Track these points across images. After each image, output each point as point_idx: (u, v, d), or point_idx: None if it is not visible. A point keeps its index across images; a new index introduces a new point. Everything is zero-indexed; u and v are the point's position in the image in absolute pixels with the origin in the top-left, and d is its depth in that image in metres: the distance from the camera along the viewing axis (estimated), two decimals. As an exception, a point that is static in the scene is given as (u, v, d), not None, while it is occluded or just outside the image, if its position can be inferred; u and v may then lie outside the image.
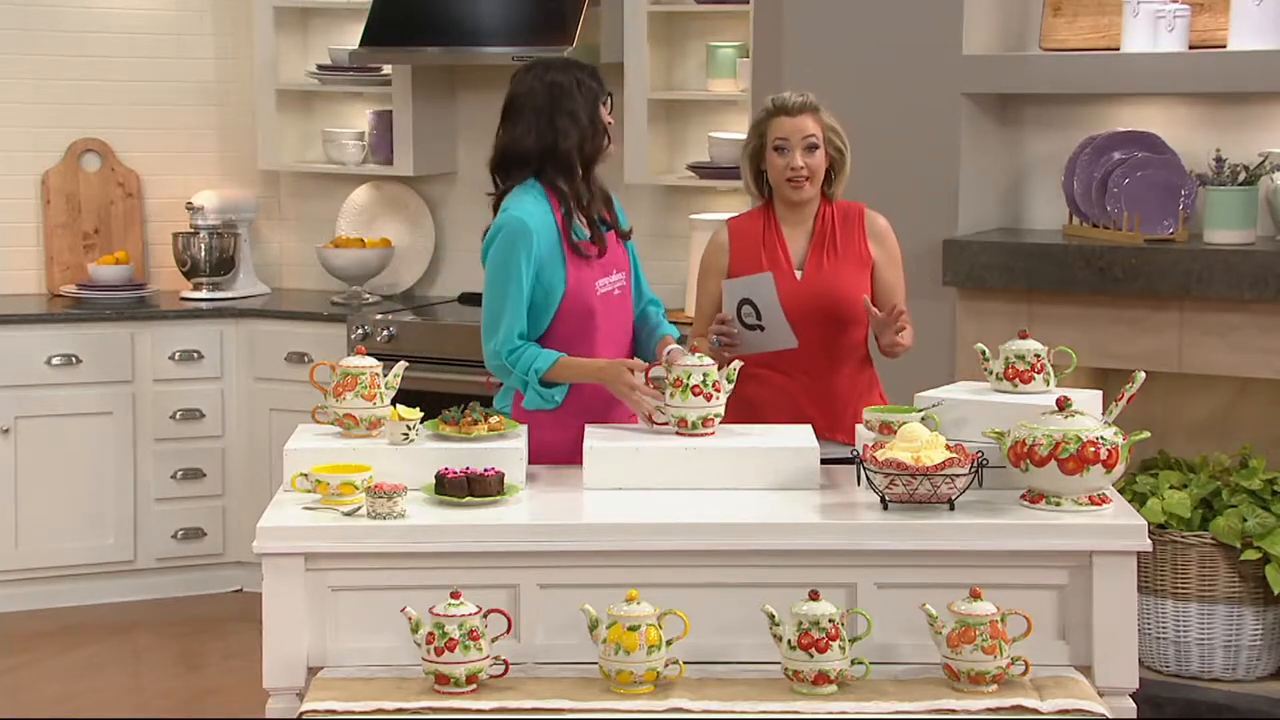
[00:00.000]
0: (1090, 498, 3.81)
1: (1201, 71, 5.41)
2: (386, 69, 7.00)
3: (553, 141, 4.40)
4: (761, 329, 4.54)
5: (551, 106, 4.40)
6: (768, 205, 4.70)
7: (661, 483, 4.02)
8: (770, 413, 4.50)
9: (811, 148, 4.58)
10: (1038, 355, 4.12)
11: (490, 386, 4.57)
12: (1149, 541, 3.76)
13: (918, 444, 3.81)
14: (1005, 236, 5.68)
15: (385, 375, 4.18)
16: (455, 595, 3.61)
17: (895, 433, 3.94)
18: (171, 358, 6.75)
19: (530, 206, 4.41)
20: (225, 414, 6.82)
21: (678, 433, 4.13)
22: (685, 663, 3.63)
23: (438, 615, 3.58)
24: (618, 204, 4.63)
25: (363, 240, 7.09)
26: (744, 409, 4.45)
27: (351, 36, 6.93)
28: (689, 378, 4.11)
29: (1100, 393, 4.14)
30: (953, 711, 3.54)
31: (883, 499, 3.83)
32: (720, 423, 4.17)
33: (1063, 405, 3.83)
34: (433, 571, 3.73)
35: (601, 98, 4.45)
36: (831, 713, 3.53)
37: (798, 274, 4.61)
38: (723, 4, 6.44)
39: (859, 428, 4.15)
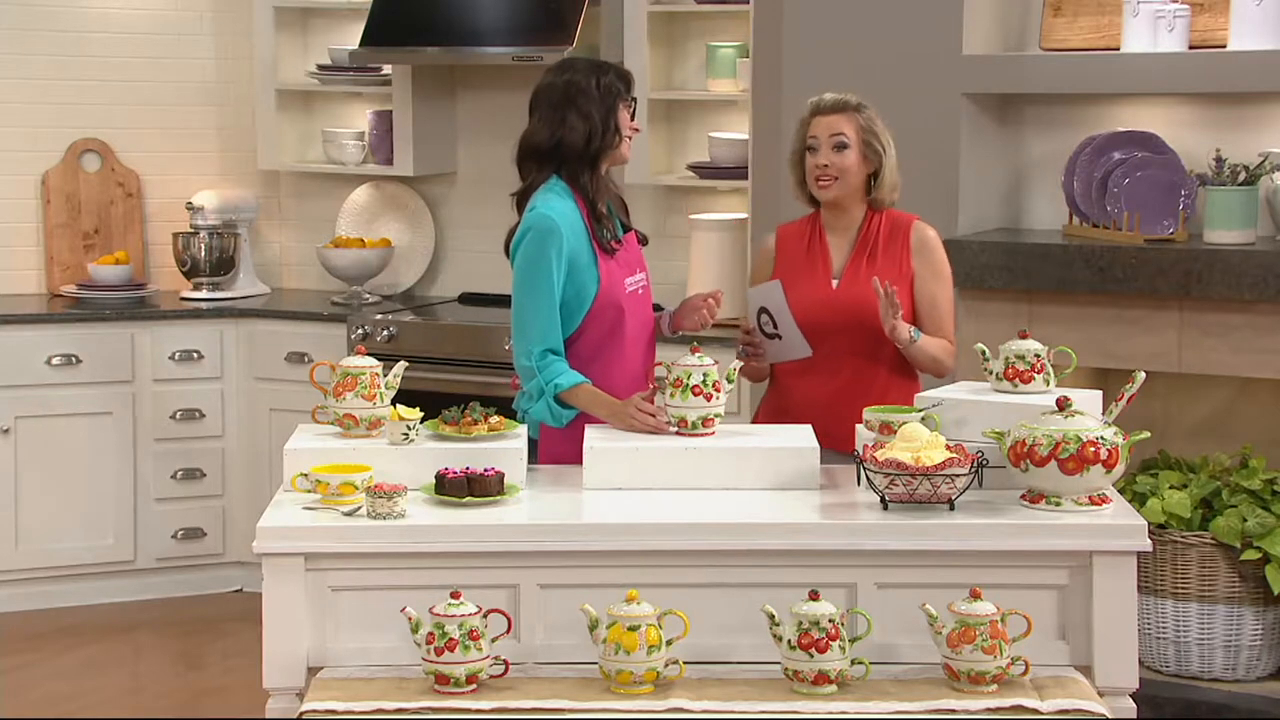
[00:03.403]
0: (1090, 498, 3.81)
1: (1201, 71, 5.41)
2: (386, 69, 7.00)
3: (561, 136, 4.41)
4: (779, 337, 4.55)
5: (565, 103, 4.41)
6: (817, 213, 4.68)
7: (661, 483, 4.02)
8: (809, 421, 4.39)
9: (840, 146, 4.54)
10: (1038, 355, 4.12)
11: (515, 387, 4.57)
12: (1149, 541, 3.76)
13: (918, 444, 3.81)
14: (1005, 236, 5.67)
15: (385, 375, 4.18)
16: (455, 595, 3.61)
17: (895, 433, 3.94)
18: (171, 358, 6.75)
19: (557, 204, 4.40)
20: (225, 414, 6.82)
21: (678, 433, 4.13)
22: (685, 663, 3.63)
23: (438, 615, 3.58)
24: None
25: (363, 240, 7.09)
26: (779, 416, 4.47)
27: (351, 36, 6.93)
28: (689, 378, 4.11)
29: (1100, 393, 4.13)
30: (953, 711, 3.54)
31: (883, 499, 3.83)
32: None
33: (1063, 405, 3.83)
34: (433, 571, 3.73)
35: (623, 99, 4.45)
36: (831, 713, 3.53)
37: (834, 283, 4.59)
38: (723, 4, 6.44)
39: (859, 428, 4.15)
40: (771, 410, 4.66)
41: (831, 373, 4.56)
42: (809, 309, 4.57)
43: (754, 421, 4.71)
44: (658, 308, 4.70)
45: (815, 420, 4.36)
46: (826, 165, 4.55)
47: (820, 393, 4.55)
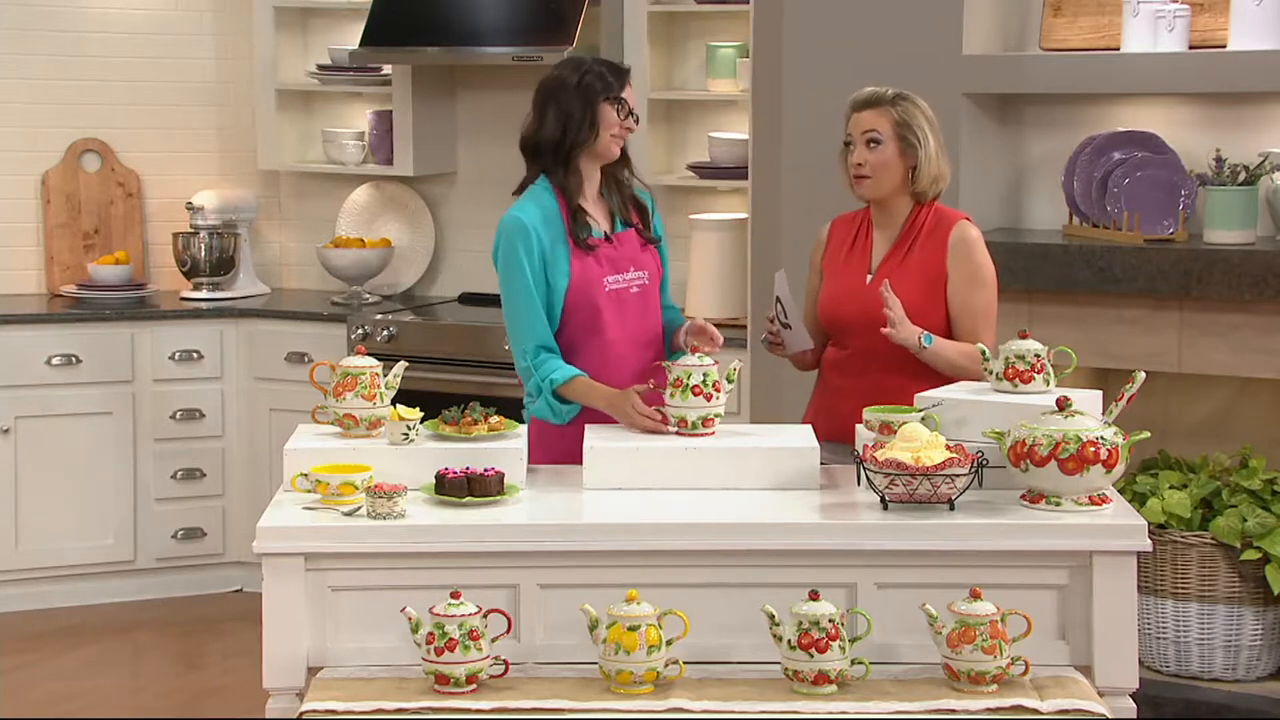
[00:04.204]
0: (1090, 498, 3.81)
1: (1201, 71, 5.41)
2: (386, 69, 7.00)
3: (540, 132, 4.45)
4: (790, 327, 4.54)
5: (547, 99, 4.46)
6: (868, 208, 4.65)
7: (661, 483, 4.02)
8: (843, 415, 4.36)
9: (873, 143, 4.50)
10: (1038, 355, 4.11)
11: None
12: (1149, 541, 3.76)
13: (918, 444, 3.81)
14: (1005, 236, 5.67)
15: (385, 375, 4.18)
16: (455, 595, 3.61)
17: (895, 433, 3.94)
18: (171, 358, 6.75)
19: (529, 204, 4.45)
20: (225, 414, 6.82)
21: (678, 433, 4.13)
22: (685, 663, 3.63)
23: (438, 615, 3.58)
24: (651, 201, 4.64)
25: (363, 240, 7.09)
26: (820, 413, 4.47)
27: (351, 36, 6.93)
28: (689, 378, 4.10)
29: (1100, 393, 4.13)
30: (953, 711, 3.54)
31: (883, 499, 3.82)
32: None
33: (1063, 405, 3.83)
34: (433, 571, 3.73)
35: (608, 97, 4.43)
36: (831, 713, 3.53)
37: (868, 278, 4.57)
38: (723, 4, 6.44)
39: (859, 428, 4.14)
40: (816, 407, 4.64)
41: (863, 368, 4.51)
42: (841, 303, 4.55)
43: (805, 418, 4.66)
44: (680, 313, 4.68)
45: (852, 415, 4.27)
46: (860, 164, 4.51)
47: (854, 387, 4.48)
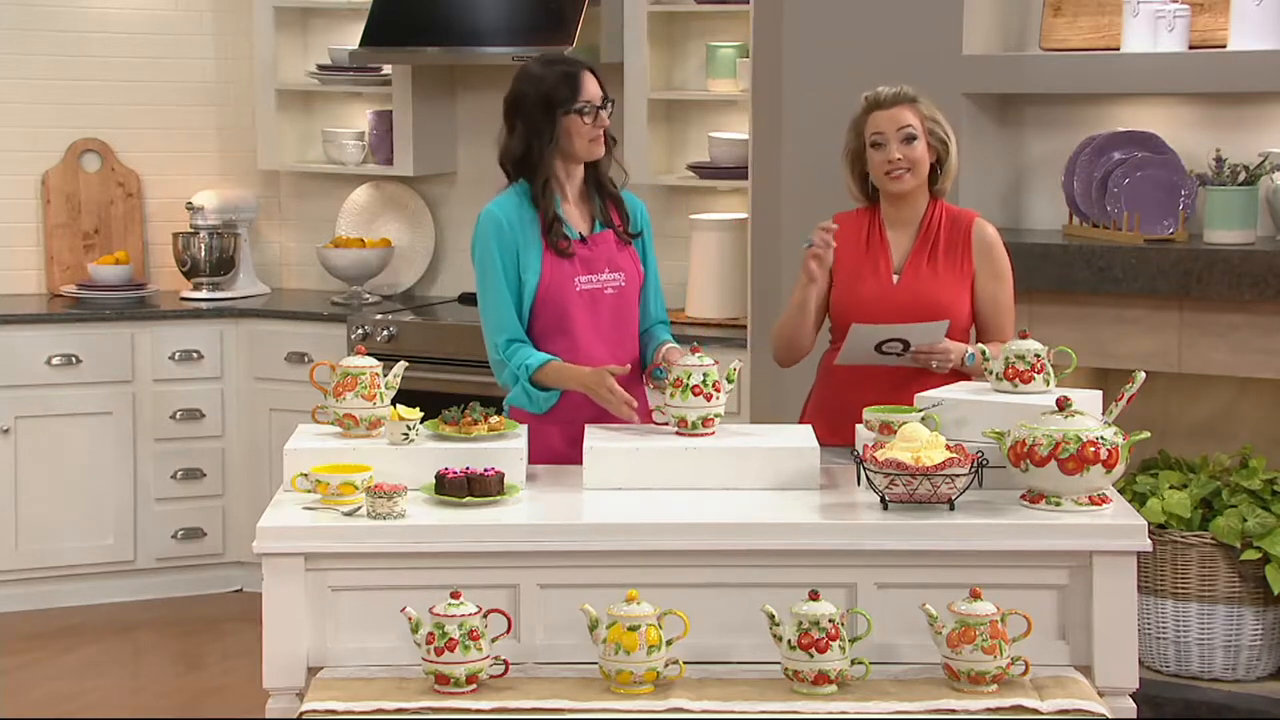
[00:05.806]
0: (1090, 498, 3.81)
1: (1201, 71, 5.41)
2: (386, 69, 7.01)
3: (509, 147, 4.47)
4: (897, 356, 4.46)
5: (512, 112, 4.45)
6: (875, 206, 4.63)
7: (661, 483, 4.02)
8: (859, 419, 4.29)
9: (909, 138, 4.50)
10: (1038, 355, 4.11)
11: None
12: (1149, 541, 3.76)
13: (918, 444, 3.81)
14: (1005, 236, 5.62)
15: (385, 375, 4.18)
16: (455, 595, 3.61)
17: (895, 433, 3.93)
18: (171, 358, 6.75)
19: (508, 199, 4.49)
20: (225, 414, 6.82)
21: (678, 433, 4.13)
22: (685, 663, 3.63)
23: (438, 615, 3.58)
24: (640, 210, 4.60)
25: (363, 240, 7.09)
26: (830, 414, 4.46)
27: (351, 36, 6.93)
28: (689, 378, 4.10)
29: (1100, 393, 4.13)
30: (953, 711, 3.54)
31: (883, 499, 3.82)
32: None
33: (1063, 405, 3.83)
34: (433, 571, 3.73)
35: (564, 108, 4.38)
36: (831, 713, 3.53)
37: (895, 278, 4.55)
38: (723, 4, 6.44)
39: (859, 428, 4.14)
40: (822, 408, 4.60)
41: (891, 370, 4.48)
42: (868, 307, 4.50)
43: (800, 420, 4.63)
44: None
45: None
46: (899, 158, 4.50)
47: (879, 389, 4.42)
